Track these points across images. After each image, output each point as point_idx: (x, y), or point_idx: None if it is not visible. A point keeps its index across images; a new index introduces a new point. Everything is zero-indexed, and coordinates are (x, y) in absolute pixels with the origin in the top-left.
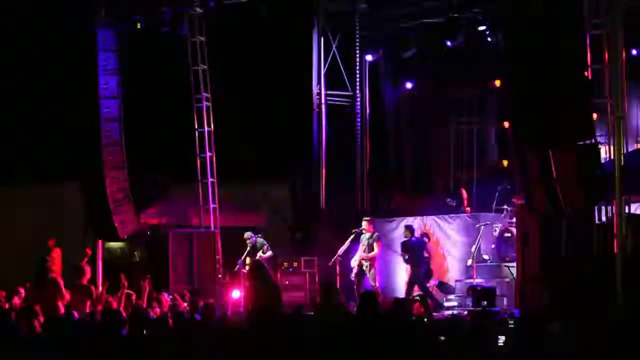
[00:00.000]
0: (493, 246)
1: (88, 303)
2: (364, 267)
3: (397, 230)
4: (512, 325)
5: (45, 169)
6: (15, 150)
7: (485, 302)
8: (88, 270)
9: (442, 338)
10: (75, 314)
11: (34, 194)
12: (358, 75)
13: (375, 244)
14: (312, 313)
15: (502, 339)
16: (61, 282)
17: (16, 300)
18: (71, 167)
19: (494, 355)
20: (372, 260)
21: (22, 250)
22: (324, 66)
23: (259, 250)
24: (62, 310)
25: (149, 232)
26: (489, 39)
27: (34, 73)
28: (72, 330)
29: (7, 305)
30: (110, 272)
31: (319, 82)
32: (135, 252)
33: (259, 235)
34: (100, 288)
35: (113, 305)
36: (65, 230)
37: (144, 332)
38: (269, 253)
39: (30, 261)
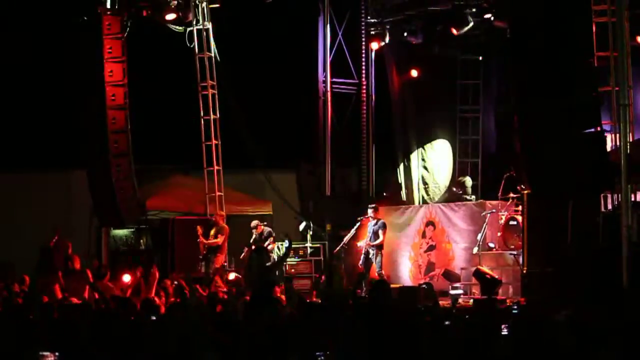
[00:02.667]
0: (499, 234)
1: (87, 288)
2: (370, 255)
3: (403, 218)
4: (516, 312)
5: (51, 157)
6: (22, 137)
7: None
8: (76, 257)
9: (447, 323)
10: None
11: (41, 181)
12: (364, 63)
13: (380, 232)
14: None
15: (505, 328)
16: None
17: (16, 288)
18: (77, 155)
19: (498, 343)
20: (377, 247)
21: (27, 238)
22: (330, 54)
23: (265, 240)
24: (60, 295)
25: (154, 220)
26: (494, 27)
27: (40, 61)
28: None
29: (6, 293)
30: (116, 259)
31: (324, 70)
32: (141, 240)
33: (265, 223)
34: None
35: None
36: (71, 218)
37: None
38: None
39: (36, 249)
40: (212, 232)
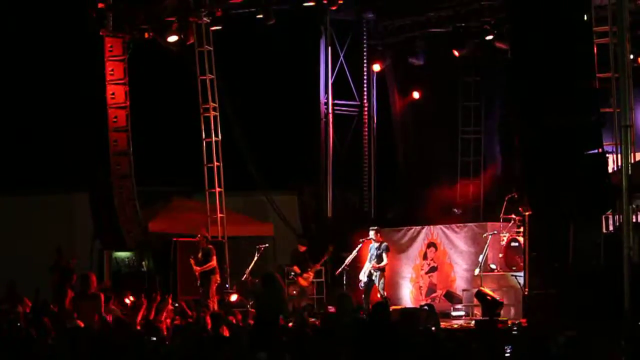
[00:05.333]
0: (501, 255)
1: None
2: (373, 277)
3: (404, 239)
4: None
5: (53, 180)
6: (24, 160)
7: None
8: (94, 278)
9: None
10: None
11: (43, 204)
12: (365, 85)
13: (384, 254)
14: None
15: (508, 349)
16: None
17: (20, 309)
18: (80, 177)
19: None
20: (381, 270)
21: (30, 261)
22: (332, 76)
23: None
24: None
25: (156, 242)
26: (496, 48)
27: (42, 83)
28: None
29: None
30: (118, 281)
31: (326, 92)
32: (143, 262)
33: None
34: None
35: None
36: (74, 240)
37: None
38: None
39: (38, 271)
40: (200, 255)
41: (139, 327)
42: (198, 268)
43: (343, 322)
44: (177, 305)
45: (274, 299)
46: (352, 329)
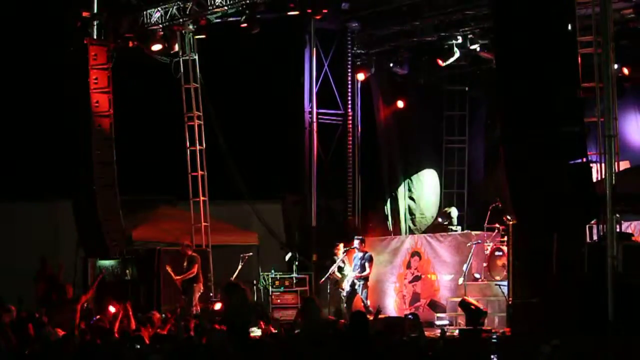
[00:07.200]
0: (485, 265)
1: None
2: (356, 287)
3: (389, 248)
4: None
5: (37, 188)
6: (8, 168)
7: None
8: (69, 286)
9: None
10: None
11: (27, 212)
12: (350, 94)
13: (367, 264)
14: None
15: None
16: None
17: (6, 318)
18: (64, 186)
19: None
20: (364, 279)
21: (15, 269)
22: (316, 85)
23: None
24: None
25: (140, 251)
26: (481, 58)
27: (25, 91)
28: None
29: None
30: (102, 290)
31: (310, 101)
32: (127, 271)
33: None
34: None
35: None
36: (58, 249)
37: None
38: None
39: (23, 279)
40: (185, 264)
41: (117, 336)
42: (178, 277)
43: (309, 327)
44: (163, 315)
45: (241, 306)
46: (319, 334)
